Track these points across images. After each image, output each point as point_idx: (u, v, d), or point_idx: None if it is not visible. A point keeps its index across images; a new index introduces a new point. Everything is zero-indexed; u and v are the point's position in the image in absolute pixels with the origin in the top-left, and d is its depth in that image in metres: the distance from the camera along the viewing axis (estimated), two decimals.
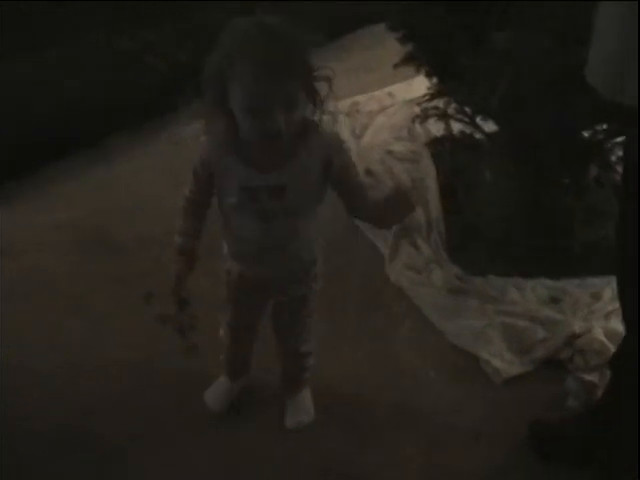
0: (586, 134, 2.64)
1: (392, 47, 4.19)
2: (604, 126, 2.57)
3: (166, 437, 2.22)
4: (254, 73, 1.59)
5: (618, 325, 2.44)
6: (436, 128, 3.41)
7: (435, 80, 2.78)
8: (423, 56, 2.60)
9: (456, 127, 3.15)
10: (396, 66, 2.77)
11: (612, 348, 2.29)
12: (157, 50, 3.75)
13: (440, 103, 2.88)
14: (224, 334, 2.21)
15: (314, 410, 2.27)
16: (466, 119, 2.85)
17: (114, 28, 3.75)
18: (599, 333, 2.43)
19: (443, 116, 2.88)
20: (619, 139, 2.60)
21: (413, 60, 2.67)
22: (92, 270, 2.84)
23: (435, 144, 3.39)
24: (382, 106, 3.85)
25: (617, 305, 2.40)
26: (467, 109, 2.81)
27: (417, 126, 3.47)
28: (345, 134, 3.60)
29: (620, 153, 2.56)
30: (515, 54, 2.17)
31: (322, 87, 1.69)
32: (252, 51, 1.60)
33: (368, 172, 3.27)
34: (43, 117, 3.33)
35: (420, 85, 3.41)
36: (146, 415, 2.29)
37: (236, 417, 2.28)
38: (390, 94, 3.92)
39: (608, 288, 2.63)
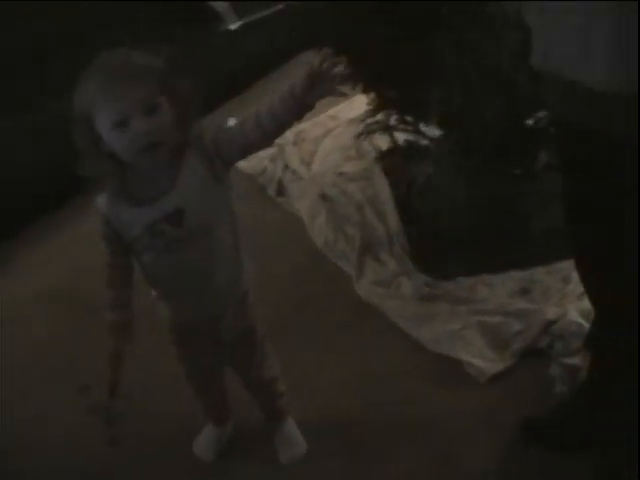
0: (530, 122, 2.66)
1: None
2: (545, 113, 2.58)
3: None
4: (104, 85, 1.59)
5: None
6: (382, 142, 3.43)
7: (373, 95, 2.78)
8: (360, 73, 2.60)
9: (401, 138, 3.16)
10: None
11: (588, 327, 2.29)
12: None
13: (383, 116, 2.88)
14: (188, 383, 2.15)
15: (307, 438, 2.24)
16: (409, 128, 2.86)
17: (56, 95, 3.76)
18: (574, 315, 2.43)
19: (387, 129, 2.88)
20: None
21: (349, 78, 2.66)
22: (76, 333, 2.80)
23: (383, 158, 3.41)
24: (327, 130, 3.87)
25: None
26: (408, 118, 2.82)
27: (364, 143, 3.49)
28: (294, 163, 3.62)
29: None
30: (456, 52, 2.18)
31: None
32: (99, 69, 1.62)
33: (324, 197, 3.28)
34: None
35: (361, 103, 3.45)
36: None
37: (232, 460, 2.24)
38: (333, 117, 3.94)
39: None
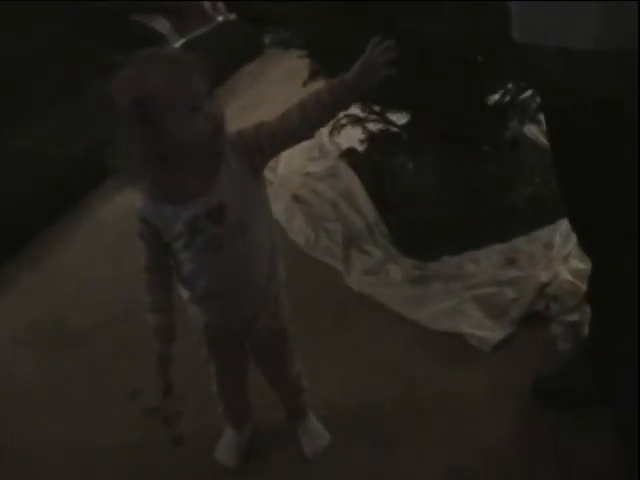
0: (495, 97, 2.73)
1: (273, 79, 4.36)
2: (509, 86, 2.65)
3: None
4: (175, 73, 1.60)
5: (579, 264, 2.54)
6: (342, 140, 3.49)
7: None
8: (328, 67, 2.65)
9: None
10: (304, 84, 2.81)
11: (581, 284, 2.36)
12: (51, 142, 3.76)
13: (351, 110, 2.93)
14: (215, 386, 2.19)
15: (328, 431, 2.27)
16: (378, 118, 2.92)
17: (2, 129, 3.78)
18: (566, 275, 2.51)
19: (357, 121, 2.94)
20: (526, 95, 2.70)
21: (318, 74, 2.72)
22: (60, 365, 2.79)
23: (347, 154, 3.46)
24: None
25: (571, 247, 2.51)
26: (376, 107, 2.88)
27: (326, 143, 3.54)
28: None
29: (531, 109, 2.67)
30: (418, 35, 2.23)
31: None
32: (159, 62, 1.62)
33: (296, 198, 3.32)
34: None
35: None
36: None
37: (254, 465, 2.25)
38: None
39: (557, 235, 2.74)
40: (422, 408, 2.33)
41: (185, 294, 1.90)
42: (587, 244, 2.10)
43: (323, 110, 1.71)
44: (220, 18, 4.74)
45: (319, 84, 2.81)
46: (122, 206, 3.37)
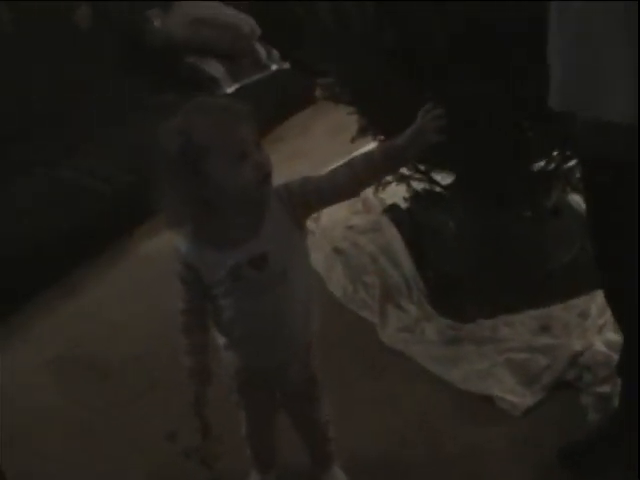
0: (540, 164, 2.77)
1: (319, 132, 4.43)
2: (554, 153, 2.69)
3: None
4: (223, 123, 1.67)
5: (613, 335, 2.54)
6: (387, 196, 3.53)
7: None
8: (376, 125, 2.71)
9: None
10: (353, 140, 2.88)
11: (615, 356, 2.37)
12: (98, 174, 3.83)
13: None
14: (244, 430, 2.22)
15: None
16: (423, 177, 2.97)
17: (50, 161, 3.86)
18: (599, 346, 2.52)
19: (402, 179, 2.99)
20: (571, 164, 2.73)
21: (367, 130, 2.78)
22: (87, 399, 2.84)
23: (390, 210, 3.51)
24: None
25: (606, 318, 2.53)
26: (421, 167, 2.93)
27: (371, 197, 3.59)
28: None
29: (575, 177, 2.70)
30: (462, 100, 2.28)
31: None
32: (206, 111, 1.70)
33: (337, 250, 3.37)
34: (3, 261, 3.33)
35: None
36: None
37: None
38: None
39: (592, 305, 2.74)
40: (445, 464, 2.35)
41: (221, 340, 1.95)
42: (620, 317, 2.12)
43: (372, 171, 1.77)
44: (274, 66, 4.82)
45: (366, 140, 2.92)
46: (163, 246, 3.43)
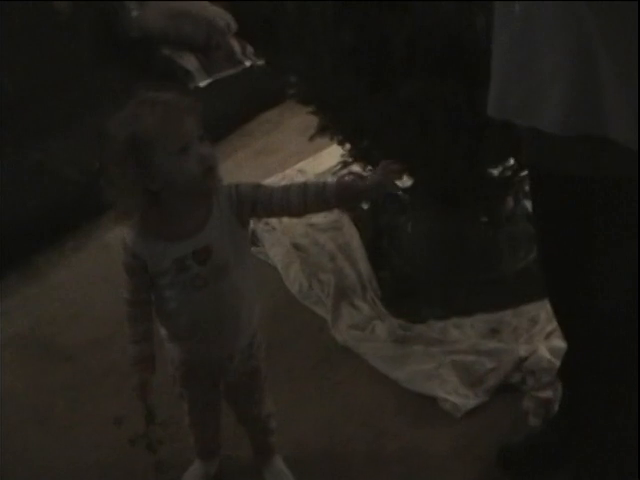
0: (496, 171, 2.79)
1: (290, 129, 4.44)
2: (511, 161, 2.72)
3: None
4: (166, 116, 1.72)
5: (559, 342, 2.56)
6: None
7: (348, 146, 2.91)
8: (336, 124, 2.73)
9: None
10: (311, 138, 2.89)
11: (558, 363, 2.40)
12: (66, 159, 3.83)
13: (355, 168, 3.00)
14: (187, 420, 2.23)
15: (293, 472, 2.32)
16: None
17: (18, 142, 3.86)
18: (544, 352, 2.55)
19: (360, 179, 2.99)
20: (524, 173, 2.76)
21: (327, 130, 2.80)
22: (43, 381, 2.84)
23: (352, 209, 3.53)
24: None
25: (555, 325, 2.56)
26: None
27: None
28: None
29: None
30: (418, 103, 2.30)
31: None
32: (152, 105, 1.73)
33: (296, 246, 3.39)
34: None
35: (327, 157, 3.62)
36: None
37: None
38: (300, 171, 4.05)
39: (543, 311, 2.76)
40: (387, 461, 2.38)
41: (163, 331, 1.98)
42: (562, 321, 2.15)
43: (323, 204, 1.84)
44: (248, 63, 4.83)
45: (322, 141, 2.95)
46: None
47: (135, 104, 1.75)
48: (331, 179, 2.44)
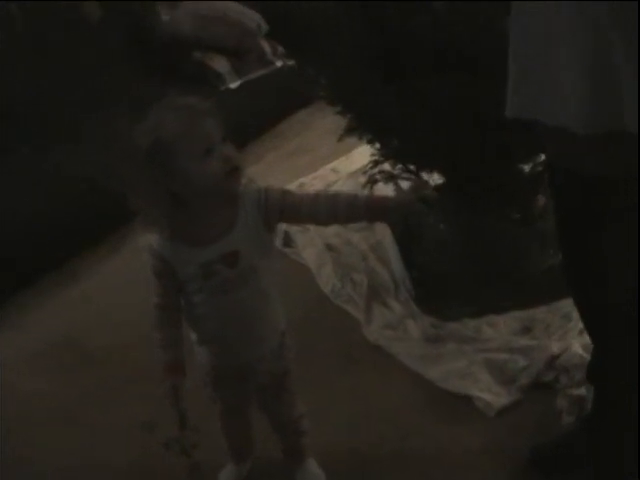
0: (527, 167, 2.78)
1: (321, 129, 4.45)
2: (542, 157, 2.70)
3: None
4: (190, 120, 1.75)
5: None
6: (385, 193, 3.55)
7: (378, 145, 2.91)
8: (364, 124, 2.74)
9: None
10: (340, 139, 2.91)
11: None
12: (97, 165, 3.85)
13: (385, 166, 3.00)
14: (220, 424, 2.25)
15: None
16: (412, 177, 2.99)
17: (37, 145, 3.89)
18: (577, 348, 2.54)
19: (390, 178, 3.01)
20: None
21: (355, 130, 2.81)
22: (74, 386, 2.87)
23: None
24: (327, 183, 3.99)
25: None
26: (411, 167, 2.95)
27: None
28: None
29: None
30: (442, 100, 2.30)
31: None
32: (175, 110, 1.76)
33: (329, 247, 3.40)
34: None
35: (359, 156, 3.62)
36: None
37: None
38: (334, 170, 4.07)
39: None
40: (417, 461, 2.37)
41: (193, 336, 2.00)
42: (587, 324, 2.13)
43: (352, 217, 1.89)
44: (279, 63, 4.84)
45: (353, 141, 2.95)
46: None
47: (156, 110, 1.77)
48: (361, 192, 2.43)
